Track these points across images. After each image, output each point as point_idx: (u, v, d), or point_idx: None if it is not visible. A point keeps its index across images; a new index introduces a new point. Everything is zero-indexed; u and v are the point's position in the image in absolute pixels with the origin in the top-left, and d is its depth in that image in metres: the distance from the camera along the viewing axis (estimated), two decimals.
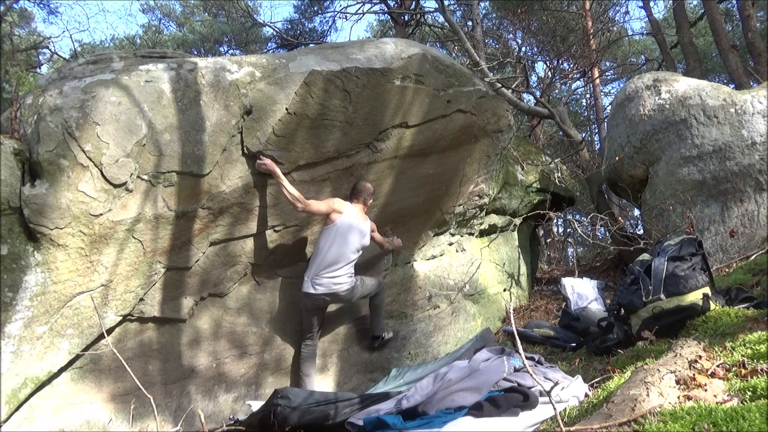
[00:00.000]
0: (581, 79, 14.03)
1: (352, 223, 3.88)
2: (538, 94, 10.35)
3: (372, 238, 4.16)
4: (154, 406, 2.91)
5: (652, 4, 12.29)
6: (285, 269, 4.11)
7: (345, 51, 3.86)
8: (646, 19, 12.07)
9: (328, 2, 14.49)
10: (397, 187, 4.41)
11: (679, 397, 2.00)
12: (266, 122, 3.48)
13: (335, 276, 3.88)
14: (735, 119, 5.40)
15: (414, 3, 12.52)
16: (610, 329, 3.66)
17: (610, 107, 10.34)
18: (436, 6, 9.77)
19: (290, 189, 3.61)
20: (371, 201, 4.12)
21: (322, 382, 4.22)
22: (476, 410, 2.41)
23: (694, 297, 3.18)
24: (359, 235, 3.94)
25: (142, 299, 3.37)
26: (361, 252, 4.05)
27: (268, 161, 3.54)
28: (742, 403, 1.88)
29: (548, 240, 13.20)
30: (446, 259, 5.30)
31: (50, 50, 11.15)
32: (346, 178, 4.09)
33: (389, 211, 4.46)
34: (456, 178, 4.94)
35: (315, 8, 14.39)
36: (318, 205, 3.78)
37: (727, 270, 4.96)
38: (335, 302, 4.09)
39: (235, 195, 3.51)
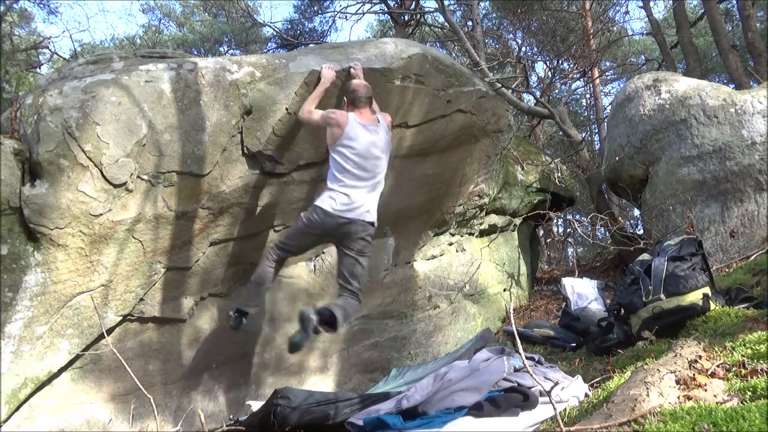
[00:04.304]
0: (581, 79, 14.02)
1: (362, 137, 3.30)
2: (538, 94, 10.34)
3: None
4: (154, 406, 2.92)
5: (652, 4, 12.27)
6: (285, 269, 4.10)
7: (345, 51, 3.86)
8: (646, 19, 12.06)
9: (328, 2, 14.46)
10: (397, 187, 4.41)
11: (679, 397, 2.00)
12: (266, 122, 3.48)
13: (358, 198, 3.31)
14: (735, 119, 5.39)
15: (414, 3, 12.51)
16: (610, 329, 3.66)
17: (610, 107, 10.34)
18: (436, 6, 9.75)
19: (313, 103, 3.41)
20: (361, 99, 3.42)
21: (323, 382, 4.22)
22: (476, 410, 2.41)
23: (694, 297, 3.18)
24: (375, 146, 3.33)
25: (142, 299, 3.37)
26: (386, 159, 3.47)
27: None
28: (742, 403, 1.88)
29: (548, 240, 13.19)
30: (446, 259, 5.30)
31: (50, 50, 11.11)
32: None
33: (389, 211, 4.44)
34: (456, 178, 4.94)
35: (315, 8, 14.35)
36: (315, 118, 3.34)
37: (727, 270, 4.96)
38: (347, 233, 3.32)
39: (235, 195, 3.51)
